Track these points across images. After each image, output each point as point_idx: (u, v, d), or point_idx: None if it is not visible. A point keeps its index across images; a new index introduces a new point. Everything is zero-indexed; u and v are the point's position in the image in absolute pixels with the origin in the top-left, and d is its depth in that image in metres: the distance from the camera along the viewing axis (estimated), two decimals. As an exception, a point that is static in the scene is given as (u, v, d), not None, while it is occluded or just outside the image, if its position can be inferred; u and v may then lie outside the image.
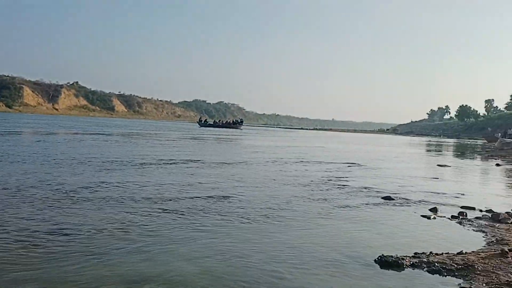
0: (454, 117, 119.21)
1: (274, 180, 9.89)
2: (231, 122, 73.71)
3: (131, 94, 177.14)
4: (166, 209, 6.19)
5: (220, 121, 75.11)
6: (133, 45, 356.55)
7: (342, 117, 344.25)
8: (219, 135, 38.70)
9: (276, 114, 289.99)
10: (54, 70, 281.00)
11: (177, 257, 4.26)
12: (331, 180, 10.46)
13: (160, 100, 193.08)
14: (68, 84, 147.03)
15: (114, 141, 21.45)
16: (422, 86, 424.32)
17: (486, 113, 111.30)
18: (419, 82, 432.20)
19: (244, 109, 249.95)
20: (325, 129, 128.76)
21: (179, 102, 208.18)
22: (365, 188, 9.31)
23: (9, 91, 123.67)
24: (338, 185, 9.64)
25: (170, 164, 11.99)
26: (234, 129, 63.12)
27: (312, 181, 10.07)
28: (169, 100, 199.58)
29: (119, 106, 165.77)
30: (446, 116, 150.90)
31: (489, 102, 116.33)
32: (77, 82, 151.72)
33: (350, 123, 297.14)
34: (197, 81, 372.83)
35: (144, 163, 11.86)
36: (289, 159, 15.69)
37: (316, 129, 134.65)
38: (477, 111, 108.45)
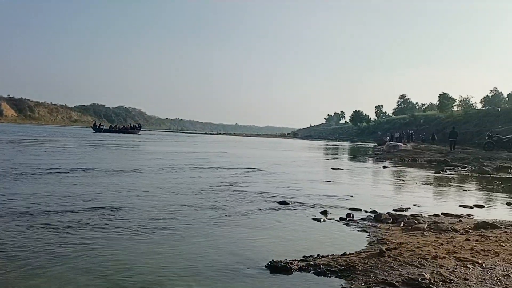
0: (349, 122, 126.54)
1: (169, 188, 9.67)
2: (128, 127, 71.24)
3: (21, 98, 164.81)
4: (48, 224, 5.76)
5: (117, 126, 72.30)
6: (23, 44, 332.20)
7: (245, 122, 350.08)
8: (116, 141, 37.25)
9: (180, 119, 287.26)
10: None
11: (57, 276, 3.96)
12: (228, 186, 10.49)
13: (55, 104, 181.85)
14: None
15: (-2, 148, 19.70)
16: (320, 92, 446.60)
17: (376, 118, 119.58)
18: (318, 88, 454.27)
19: (146, 114, 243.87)
20: (229, 134, 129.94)
21: (75, 106, 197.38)
22: (262, 193, 9.46)
23: None
24: (234, 191, 9.68)
25: (53, 173, 11.20)
26: (132, 134, 61.06)
27: (210, 187, 10.02)
28: (64, 104, 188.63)
29: (8, 111, 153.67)
30: (342, 121, 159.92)
31: (379, 107, 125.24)
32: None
33: (253, 127, 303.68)
34: (95, 84, 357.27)
35: (31, 172, 11.00)
36: (187, 166, 15.50)
37: (220, 133, 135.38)
38: (368, 116, 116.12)
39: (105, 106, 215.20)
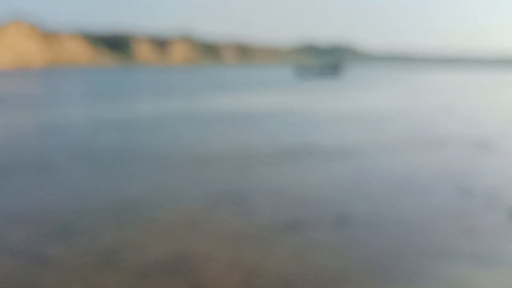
0: None
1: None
2: (329, 68, 66.38)
3: (241, 42, 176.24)
4: None
5: (318, 69, 67.22)
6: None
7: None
8: (315, 87, 33.78)
9: (394, 52, 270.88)
10: (165, 23, 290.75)
11: None
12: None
13: (271, 47, 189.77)
14: (180, 36, 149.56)
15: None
16: None
17: None
18: None
19: (358, 49, 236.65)
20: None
21: (290, 48, 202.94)
22: None
23: (125, 46, 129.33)
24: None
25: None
26: (335, 76, 56.58)
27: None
28: (279, 46, 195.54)
29: (230, 55, 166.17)
30: None
31: None
32: (188, 33, 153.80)
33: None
34: (308, 23, 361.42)
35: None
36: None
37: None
38: None
39: (318, 45, 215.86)
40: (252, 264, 3.69)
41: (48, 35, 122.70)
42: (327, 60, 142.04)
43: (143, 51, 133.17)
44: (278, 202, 5.39)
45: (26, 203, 5.31)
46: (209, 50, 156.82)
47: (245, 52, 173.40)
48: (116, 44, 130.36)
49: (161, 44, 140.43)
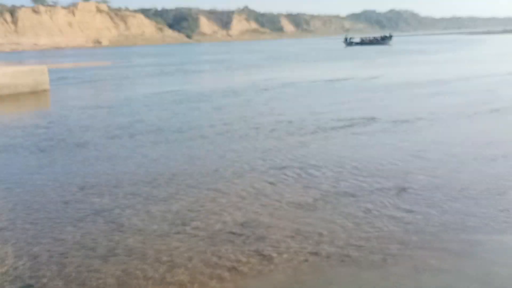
0: None
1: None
2: (379, 38, 65.17)
3: (298, 13, 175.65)
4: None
5: (367, 39, 64.65)
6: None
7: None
8: (366, 58, 35.12)
9: (457, 17, 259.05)
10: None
11: None
12: None
13: (328, 15, 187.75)
14: (239, 10, 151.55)
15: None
16: None
17: None
18: None
19: (419, 15, 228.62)
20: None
21: (347, 15, 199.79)
22: None
23: (187, 22, 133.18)
24: None
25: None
26: (383, 46, 56.68)
27: None
28: (337, 14, 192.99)
29: (288, 26, 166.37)
30: None
31: None
32: (247, 6, 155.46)
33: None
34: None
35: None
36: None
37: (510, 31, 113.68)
38: None
39: (376, 11, 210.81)
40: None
41: (115, 12, 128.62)
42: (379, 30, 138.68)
43: (205, 26, 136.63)
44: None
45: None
46: (268, 22, 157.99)
47: (302, 22, 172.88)
48: (178, 20, 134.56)
49: (221, 18, 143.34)
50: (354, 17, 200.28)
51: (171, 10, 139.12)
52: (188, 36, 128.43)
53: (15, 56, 59.44)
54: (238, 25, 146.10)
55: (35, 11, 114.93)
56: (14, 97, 14.91)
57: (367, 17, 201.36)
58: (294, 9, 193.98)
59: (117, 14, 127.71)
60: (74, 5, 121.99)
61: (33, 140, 8.26)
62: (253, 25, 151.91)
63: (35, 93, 15.72)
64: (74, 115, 10.85)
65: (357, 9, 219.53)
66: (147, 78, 21.18)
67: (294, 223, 4.41)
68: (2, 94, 14.85)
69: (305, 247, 3.92)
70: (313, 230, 4.25)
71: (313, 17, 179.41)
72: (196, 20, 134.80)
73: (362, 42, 61.49)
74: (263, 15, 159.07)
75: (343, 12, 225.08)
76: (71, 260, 3.77)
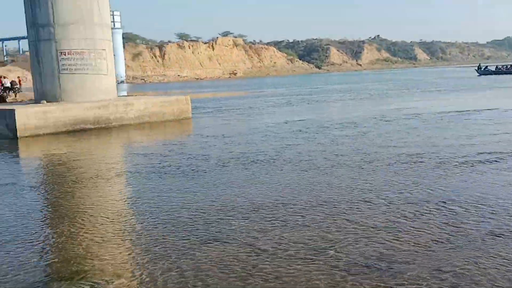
0: None
1: None
2: None
3: (433, 41, 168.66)
4: None
5: (504, 67, 56.23)
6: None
7: None
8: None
9: None
10: (356, 28, 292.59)
11: None
12: None
13: (466, 43, 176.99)
14: (370, 39, 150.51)
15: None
16: None
17: None
18: None
19: None
20: None
21: (487, 42, 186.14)
22: None
23: (318, 53, 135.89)
24: None
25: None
26: None
27: None
28: (476, 41, 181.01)
29: (421, 55, 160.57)
30: None
31: None
32: (378, 35, 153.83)
33: None
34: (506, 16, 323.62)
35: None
36: None
37: None
38: None
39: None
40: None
41: (249, 46, 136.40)
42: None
43: (335, 56, 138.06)
44: None
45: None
46: (400, 51, 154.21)
47: (437, 50, 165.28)
48: (308, 51, 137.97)
49: (351, 48, 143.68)
50: (496, 44, 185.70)
51: (302, 41, 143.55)
52: (318, 66, 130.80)
53: (161, 86, 66.41)
54: (369, 54, 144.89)
55: (180, 46, 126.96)
56: (161, 124, 17.12)
57: (510, 44, 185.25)
58: (429, 37, 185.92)
59: (252, 47, 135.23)
60: (214, 40, 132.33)
61: (177, 163, 9.16)
62: (384, 54, 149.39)
63: (179, 121, 17.81)
64: (211, 142, 11.84)
65: (499, 36, 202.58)
66: (273, 108, 22.52)
67: (433, 260, 4.21)
68: (151, 121, 17.15)
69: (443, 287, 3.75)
70: (452, 269, 4.02)
71: (449, 44, 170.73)
72: (326, 51, 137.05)
73: (498, 71, 54.55)
74: (395, 43, 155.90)
75: (483, 39, 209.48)
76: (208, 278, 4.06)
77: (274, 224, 5.39)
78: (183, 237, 5.06)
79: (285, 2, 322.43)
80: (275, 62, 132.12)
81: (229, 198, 6.59)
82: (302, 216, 5.64)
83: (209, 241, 4.88)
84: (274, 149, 10.50)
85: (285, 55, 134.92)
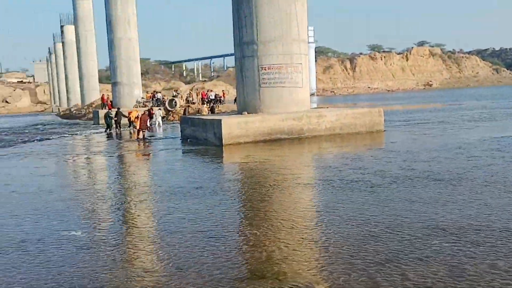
0: None
1: None
2: None
3: None
4: None
5: None
6: None
7: None
8: None
9: None
10: None
11: None
12: None
13: None
14: None
15: None
16: None
17: None
18: None
19: None
20: None
21: None
22: None
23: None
24: None
25: None
26: None
27: None
28: None
29: None
30: None
31: None
32: None
33: None
34: None
35: None
36: None
37: None
38: None
39: None
40: None
41: (448, 55, 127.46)
42: None
43: None
44: None
45: None
46: None
47: None
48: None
49: None
50: None
51: (510, 49, 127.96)
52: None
53: (350, 98, 66.50)
54: None
55: (372, 58, 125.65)
56: (353, 136, 17.07)
57: None
58: None
59: (451, 56, 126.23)
60: (408, 50, 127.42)
61: (366, 178, 9.00)
62: None
63: (370, 133, 17.54)
64: (402, 158, 11.65)
65: None
66: (470, 122, 20.42)
67: None
68: (342, 133, 17.28)
69: None
70: None
71: None
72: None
73: None
74: None
75: None
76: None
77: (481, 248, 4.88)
78: (381, 251, 4.92)
79: (492, 6, 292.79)
80: (477, 72, 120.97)
81: (433, 216, 6.18)
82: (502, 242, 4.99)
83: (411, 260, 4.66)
84: (463, 167, 9.54)
85: (490, 64, 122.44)
